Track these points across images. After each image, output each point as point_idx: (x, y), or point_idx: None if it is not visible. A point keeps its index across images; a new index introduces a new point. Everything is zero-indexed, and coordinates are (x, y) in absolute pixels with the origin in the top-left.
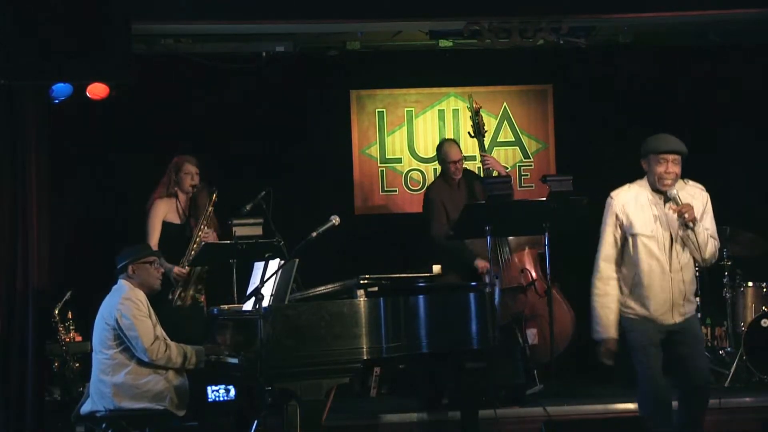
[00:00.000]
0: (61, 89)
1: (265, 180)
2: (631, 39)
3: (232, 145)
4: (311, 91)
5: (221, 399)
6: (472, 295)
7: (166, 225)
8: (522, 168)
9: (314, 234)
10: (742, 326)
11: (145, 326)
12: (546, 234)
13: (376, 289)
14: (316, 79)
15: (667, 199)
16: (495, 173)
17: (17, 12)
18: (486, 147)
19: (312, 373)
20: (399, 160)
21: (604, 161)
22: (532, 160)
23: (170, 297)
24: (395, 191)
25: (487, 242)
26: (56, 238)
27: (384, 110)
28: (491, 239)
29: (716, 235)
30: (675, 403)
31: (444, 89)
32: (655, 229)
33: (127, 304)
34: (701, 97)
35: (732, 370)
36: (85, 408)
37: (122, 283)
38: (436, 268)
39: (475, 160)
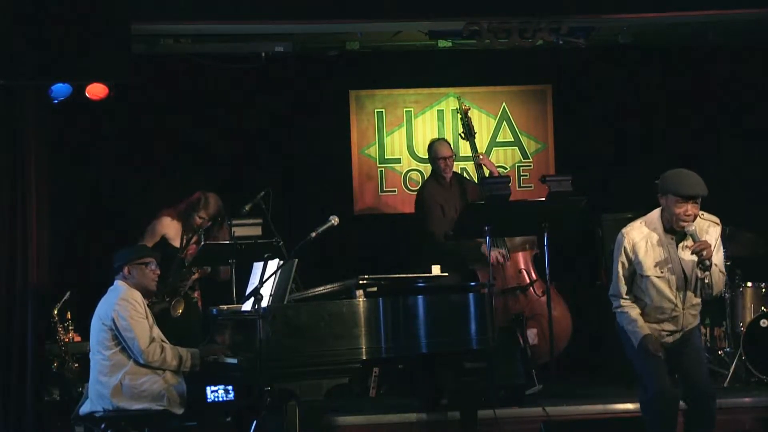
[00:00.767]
0: (60, 89)
1: (264, 180)
2: (631, 39)
3: (231, 145)
4: (310, 91)
5: (221, 399)
6: (471, 295)
7: (166, 242)
8: (521, 168)
9: (313, 234)
10: (741, 326)
11: (142, 328)
12: (545, 234)
13: (375, 289)
14: (315, 79)
15: (679, 239)
16: (488, 173)
17: (17, 12)
18: (484, 148)
19: (311, 373)
20: (398, 161)
21: (604, 162)
22: (531, 160)
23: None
24: (394, 191)
25: (487, 242)
26: (55, 239)
27: (383, 110)
28: (489, 238)
29: (724, 269)
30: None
31: (443, 89)
32: (666, 271)
33: (123, 305)
34: (700, 97)
35: (731, 370)
36: (84, 409)
37: (118, 284)
38: (436, 269)
39: (469, 161)
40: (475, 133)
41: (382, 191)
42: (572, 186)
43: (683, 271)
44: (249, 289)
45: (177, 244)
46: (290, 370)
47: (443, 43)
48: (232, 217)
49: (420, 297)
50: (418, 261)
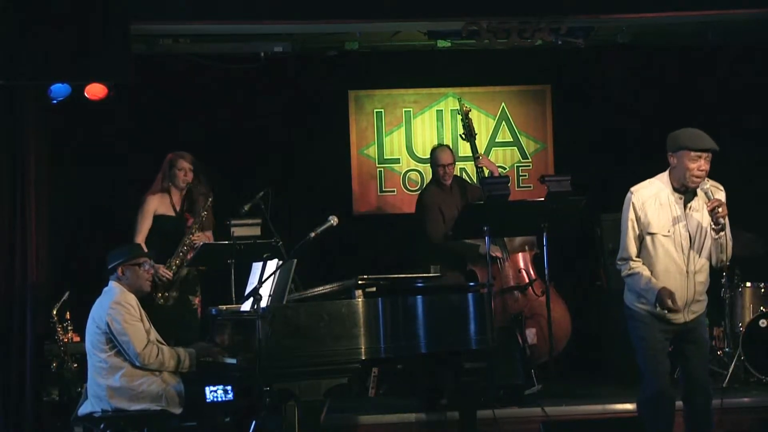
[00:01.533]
0: (60, 89)
1: (263, 180)
2: (630, 39)
3: (231, 145)
4: (309, 91)
5: (220, 399)
6: (470, 295)
7: (159, 218)
8: (520, 168)
9: (312, 234)
10: (741, 326)
11: (137, 331)
12: (544, 234)
13: (374, 289)
14: (314, 79)
15: (688, 200)
16: (488, 173)
17: (17, 13)
18: (483, 148)
19: (311, 374)
20: (397, 161)
21: (603, 162)
22: (530, 160)
23: (153, 295)
24: (393, 191)
25: (486, 243)
26: (54, 239)
27: (382, 110)
28: (488, 240)
29: (730, 235)
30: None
31: (442, 90)
32: (674, 229)
33: (117, 308)
34: (699, 97)
35: (730, 370)
36: (84, 409)
37: (112, 286)
38: (435, 269)
39: (469, 161)
40: (476, 134)
41: (381, 191)
42: (571, 186)
43: (689, 232)
44: (248, 290)
45: (170, 213)
46: (289, 370)
47: (442, 43)
48: (231, 217)
49: (419, 297)
50: (417, 261)
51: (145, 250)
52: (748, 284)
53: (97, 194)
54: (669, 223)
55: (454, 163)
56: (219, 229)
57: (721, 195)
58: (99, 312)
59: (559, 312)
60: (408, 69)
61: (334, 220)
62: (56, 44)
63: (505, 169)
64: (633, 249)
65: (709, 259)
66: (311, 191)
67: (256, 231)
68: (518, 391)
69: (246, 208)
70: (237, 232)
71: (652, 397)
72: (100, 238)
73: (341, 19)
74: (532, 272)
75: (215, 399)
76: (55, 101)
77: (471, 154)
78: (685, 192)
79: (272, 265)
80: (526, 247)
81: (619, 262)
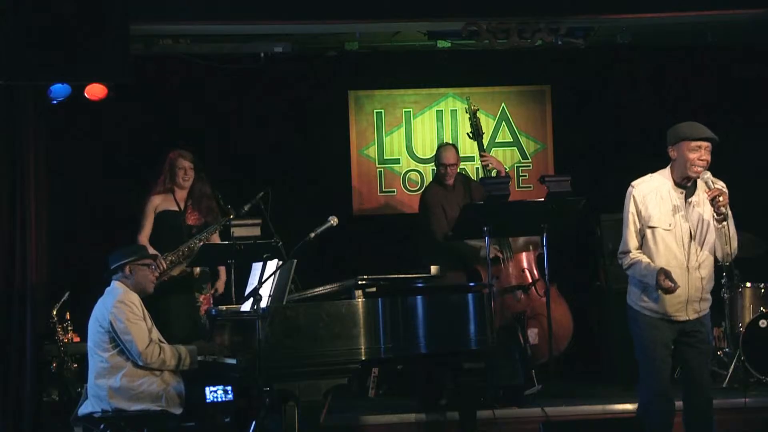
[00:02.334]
0: (59, 90)
1: (263, 180)
2: (630, 39)
3: (230, 145)
4: (309, 91)
5: (219, 399)
6: (470, 295)
7: (164, 214)
8: (520, 168)
9: (312, 234)
10: (740, 327)
11: (139, 330)
12: (544, 234)
13: (374, 289)
14: (314, 79)
15: (689, 194)
16: (494, 172)
17: (17, 13)
18: (485, 147)
19: (310, 374)
20: (397, 161)
21: (603, 162)
22: (530, 160)
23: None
24: (393, 192)
25: (486, 243)
26: (54, 239)
27: (382, 111)
28: (490, 240)
29: (734, 229)
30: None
31: (442, 90)
32: (674, 223)
33: (120, 307)
34: (699, 97)
35: (730, 370)
36: (84, 410)
37: (116, 285)
38: (434, 269)
39: (473, 161)
40: (483, 133)
41: (381, 191)
42: (571, 186)
43: (690, 227)
44: (248, 290)
45: (174, 207)
46: (289, 371)
47: (442, 44)
48: (225, 209)
49: (419, 297)
50: (419, 261)
51: (149, 250)
52: (748, 284)
53: (96, 194)
54: (669, 216)
55: (457, 163)
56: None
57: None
58: (102, 311)
59: (560, 312)
60: (408, 69)
61: (334, 221)
62: (56, 45)
63: (507, 168)
64: (633, 242)
65: (713, 254)
66: (311, 192)
67: (256, 231)
68: (518, 392)
69: (246, 208)
70: (237, 232)
71: (652, 397)
72: (99, 239)
73: (341, 19)
74: (535, 272)
75: (215, 399)
76: (55, 101)
77: (476, 153)
78: (686, 186)
79: (272, 265)
80: (530, 247)
81: (620, 256)
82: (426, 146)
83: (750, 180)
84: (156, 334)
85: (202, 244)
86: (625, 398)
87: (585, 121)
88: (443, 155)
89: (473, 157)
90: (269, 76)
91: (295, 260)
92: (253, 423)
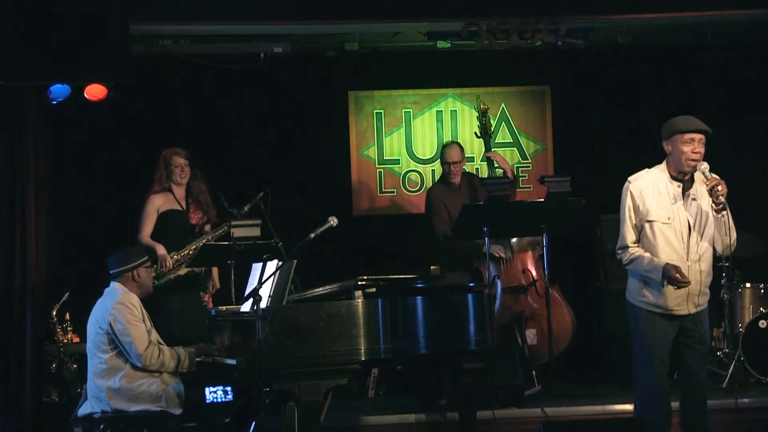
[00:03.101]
0: (59, 90)
1: (263, 181)
2: (630, 40)
3: (231, 146)
4: (309, 92)
5: (219, 400)
6: (470, 296)
7: (168, 214)
8: (520, 169)
9: (312, 235)
10: (740, 327)
11: (139, 331)
12: (544, 235)
13: (374, 290)
14: (314, 80)
15: (686, 188)
16: (501, 171)
17: (17, 13)
18: (483, 148)
19: (310, 374)
20: (397, 161)
21: (603, 162)
22: (530, 161)
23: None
24: (393, 192)
25: (486, 243)
26: (54, 240)
27: (382, 111)
28: (489, 239)
29: (732, 221)
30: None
31: (442, 90)
32: (673, 216)
33: (120, 309)
34: (698, 98)
35: (730, 371)
36: (83, 410)
37: (115, 286)
38: (434, 269)
39: (472, 161)
40: (492, 133)
41: (380, 192)
42: (571, 187)
43: (689, 220)
44: (248, 290)
45: (177, 207)
46: (289, 371)
47: (442, 44)
48: (230, 217)
49: (419, 298)
50: (419, 261)
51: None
52: (748, 285)
53: (96, 195)
54: (668, 210)
55: (461, 162)
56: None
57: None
58: (102, 312)
59: (560, 313)
60: (408, 70)
61: (333, 221)
62: (55, 45)
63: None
64: (631, 236)
65: (713, 246)
66: (311, 192)
67: (256, 231)
68: (518, 392)
69: (246, 208)
70: (237, 232)
71: (650, 397)
72: (99, 239)
73: (341, 19)
74: (534, 273)
75: (215, 400)
76: (54, 102)
77: (477, 153)
78: (683, 180)
79: (272, 265)
80: (535, 247)
81: (618, 252)
82: (426, 147)
83: (749, 180)
84: (155, 335)
85: (201, 245)
86: (624, 398)
87: (585, 121)
88: (447, 153)
89: (472, 157)
90: (269, 76)
91: (295, 260)
92: (253, 423)
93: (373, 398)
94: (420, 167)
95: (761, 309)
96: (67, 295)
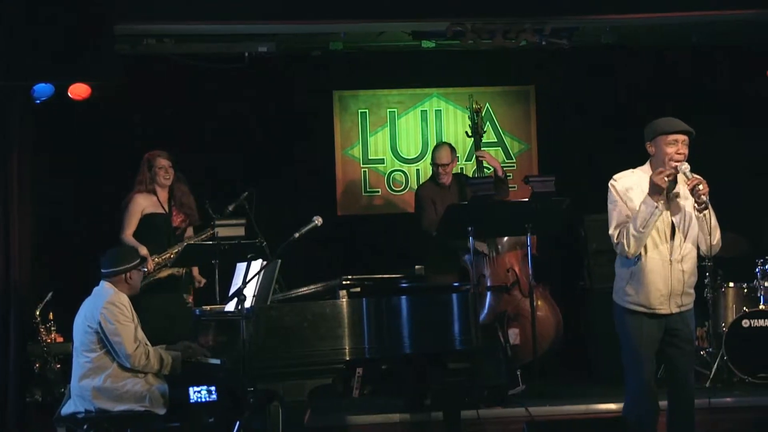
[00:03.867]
0: (43, 89)
1: (247, 181)
2: (614, 40)
3: (215, 145)
4: (294, 91)
5: (203, 400)
6: (455, 295)
7: (151, 216)
8: (505, 169)
9: (297, 235)
10: (723, 326)
11: (129, 332)
12: (528, 234)
13: (358, 289)
14: (298, 79)
15: (669, 188)
16: (491, 170)
17: (2, 13)
18: (468, 148)
19: (295, 374)
20: (382, 161)
21: (587, 162)
22: (514, 160)
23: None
24: (378, 192)
25: (470, 243)
26: (37, 239)
27: (367, 111)
28: (472, 241)
29: (715, 220)
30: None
31: (427, 90)
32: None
33: (111, 308)
34: (683, 98)
35: (713, 370)
36: (67, 409)
37: (106, 286)
38: (419, 269)
39: (460, 161)
40: (484, 132)
41: (365, 192)
42: (555, 186)
43: (672, 220)
44: (232, 290)
45: (160, 210)
46: (273, 371)
47: (427, 44)
48: (215, 217)
49: (403, 297)
50: (403, 261)
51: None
52: (731, 285)
53: (81, 195)
54: None
55: (451, 163)
56: (202, 230)
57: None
58: (91, 311)
59: (543, 313)
60: (392, 69)
61: (318, 221)
62: (42, 44)
63: (489, 170)
64: (623, 220)
65: (697, 247)
66: (295, 191)
67: (241, 231)
68: (502, 391)
69: (230, 208)
70: (221, 232)
71: (636, 397)
72: (83, 239)
73: (326, 19)
74: (519, 272)
75: (199, 399)
76: (38, 101)
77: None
78: (668, 180)
79: (256, 265)
80: (518, 246)
81: (613, 235)
82: (410, 146)
83: (733, 180)
84: (141, 335)
85: (185, 245)
86: (609, 398)
87: (569, 121)
88: (436, 154)
89: (457, 157)
90: (254, 75)
91: (280, 260)
92: (237, 423)
93: (357, 398)
94: (405, 167)
95: (744, 308)
96: (50, 294)
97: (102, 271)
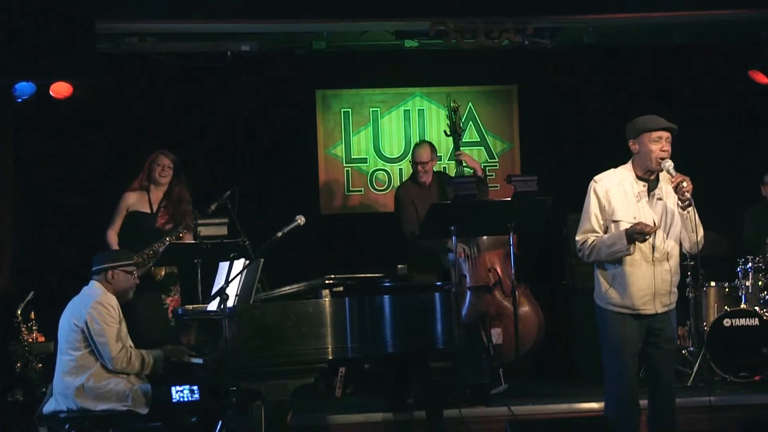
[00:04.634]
0: (24, 88)
1: (230, 180)
2: (596, 40)
3: (197, 144)
4: (276, 90)
5: (186, 399)
6: (437, 295)
7: (134, 214)
8: (487, 168)
9: (279, 234)
10: (705, 326)
11: (114, 333)
12: (511, 234)
13: (341, 289)
14: (281, 78)
15: (651, 188)
16: (471, 171)
17: None
18: (450, 147)
19: (277, 373)
20: (364, 160)
21: (569, 161)
22: (497, 160)
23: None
24: (361, 191)
25: (453, 242)
26: (19, 239)
27: (349, 110)
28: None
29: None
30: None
31: (410, 89)
32: (639, 215)
33: (99, 308)
34: (665, 98)
35: (695, 369)
36: (48, 407)
37: (95, 286)
38: (401, 268)
39: (441, 160)
40: (462, 131)
41: (348, 191)
42: (538, 186)
43: (654, 220)
44: (215, 289)
45: (146, 209)
46: (256, 370)
47: (410, 43)
48: (197, 216)
49: (386, 297)
50: (386, 260)
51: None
52: (713, 284)
53: (62, 194)
54: (633, 210)
55: (431, 162)
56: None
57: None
58: (79, 309)
59: (527, 312)
60: (375, 69)
61: (301, 220)
62: (24, 43)
63: (471, 170)
64: (594, 228)
65: (680, 245)
66: (278, 191)
67: (223, 230)
68: (484, 391)
69: (213, 207)
70: (204, 231)
71: (618, 396)
72: (65, 238)
73: (308, 18)
74: (501, 272)
75: (181, 399)
76: (19, 100)
77: (447, 153)
78: (649, 179)
79: (239, 264)
80: (499, 246)
81: (579, 247)
82: (393, 145)
83: (716, 180)
84: (125, 337)
85: (167, 244)
86: (591, 397)
87: (552, 120)
88: (416, 153)
89: (440, 156)
90: (236, 75)
91: (262, 259)
92: (220, 423)
93: (340, 397)
94: (387, 166)
95: (726, 308)
96: (31, 294)
97: (92, 268)
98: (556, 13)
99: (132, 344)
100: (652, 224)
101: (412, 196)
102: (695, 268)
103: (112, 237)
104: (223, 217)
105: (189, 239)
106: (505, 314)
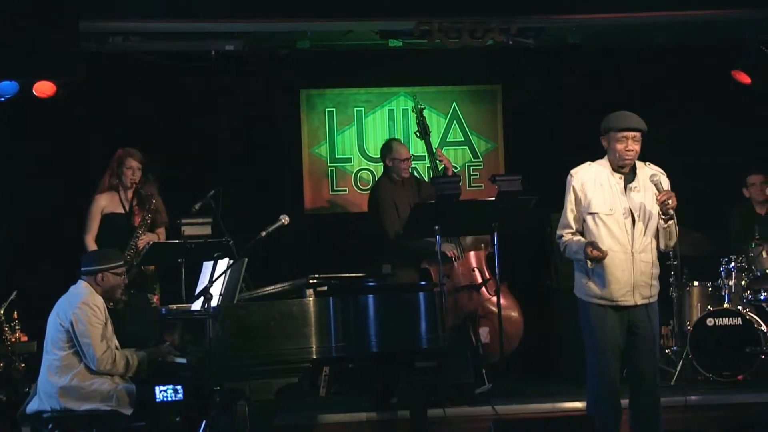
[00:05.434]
0: (7, 87)
1: (214, 179)
2: (580, 40)
3: (181, 143)
4: (261, 90)
5: (169, 399)
6: (421, 294)
7: (109, 216)
8: (471, 168)
9: (263, 233)
10: (688, 325)
11: (99, 334)
12: (495, 233)
13: (325, 288)
14: (265, 78)
15: (628, 181)
16: (443, 170)
17: None
18: (436, 145)
19: (261, 373)
20: (349, 160)
21: (553, 161)
22: (481, 159)
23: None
24: (345, 191)
25: (437, 242)
26: (1, 239)
27: (334, 109)
28: (440, 237)
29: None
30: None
31: (394, 89)
32: (615, 207)
33: (84, 309)
34: (648, 98)
35: (678, 368)
36: (32, 406)
37: (83, 285)
38: (385, 268)
39: (425, 160)
40: (431, 132)
41: (332, 190)
42: (522, 185)
43: (631, 212)
44: (198, 289)
45: (120, 210)
46: (240, 370)
47: (394, 43)
48: (181, 216)
49: (370, 296)
50: (369, 260)
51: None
52: (696, 283)
53: (44, 194)
54: (610, 202)
55: (410, 159)
56: (170, 228)
57: (665, 180)
58: (65, 309)
59: (511, 311)
60: (359, 68)
61: (285, 219)
62: (5, 42)
63: (456, 168)
64: (569, 226)
65: (656, 239)
66: (262, 190)
67: (207, 230)
68: (469, 390)
69: (196, 207)
70: (187, 231)
71: (600, 395)
72: (47, 239)
73: (293, 18)
74: (485, 271)
75: (165, 399)
76: (2, 99)
77: (423, 153)
78: (624, 172)
79: (223, 264)
80: (481, 246)
81: (558, 242)
82: (378, 145)
83: (700, 180)
84: (110, 338)
85: (148, 244)
86: (574, 396)
87: (536, 120)
88: (397, 150)
89: (424, 156)
90: (220, 74)
91: (246, 259)
92: (204, 423)
93: (324, 397)
94: (372, 166)
95: (709, 307)
96: (14, 294)
97: (81, 268)
98: (540, 13)
99: (118, 344)
100: (630, 219)
101: (391, 194)
102: (678, 267)
103: (91, 243)
104: (207, 217)
105: (163, 234)
106: (491, 313)
